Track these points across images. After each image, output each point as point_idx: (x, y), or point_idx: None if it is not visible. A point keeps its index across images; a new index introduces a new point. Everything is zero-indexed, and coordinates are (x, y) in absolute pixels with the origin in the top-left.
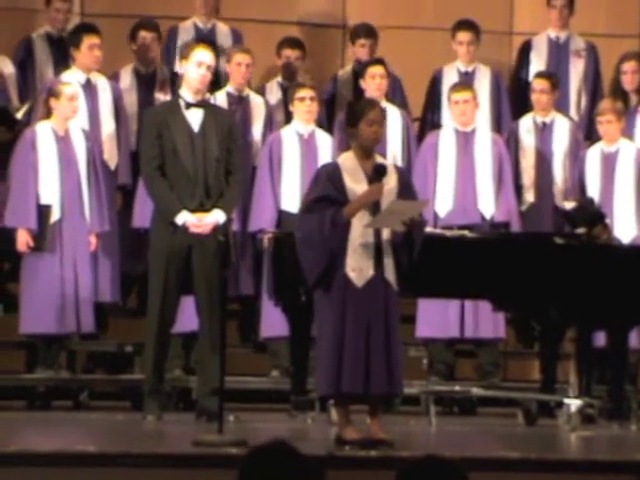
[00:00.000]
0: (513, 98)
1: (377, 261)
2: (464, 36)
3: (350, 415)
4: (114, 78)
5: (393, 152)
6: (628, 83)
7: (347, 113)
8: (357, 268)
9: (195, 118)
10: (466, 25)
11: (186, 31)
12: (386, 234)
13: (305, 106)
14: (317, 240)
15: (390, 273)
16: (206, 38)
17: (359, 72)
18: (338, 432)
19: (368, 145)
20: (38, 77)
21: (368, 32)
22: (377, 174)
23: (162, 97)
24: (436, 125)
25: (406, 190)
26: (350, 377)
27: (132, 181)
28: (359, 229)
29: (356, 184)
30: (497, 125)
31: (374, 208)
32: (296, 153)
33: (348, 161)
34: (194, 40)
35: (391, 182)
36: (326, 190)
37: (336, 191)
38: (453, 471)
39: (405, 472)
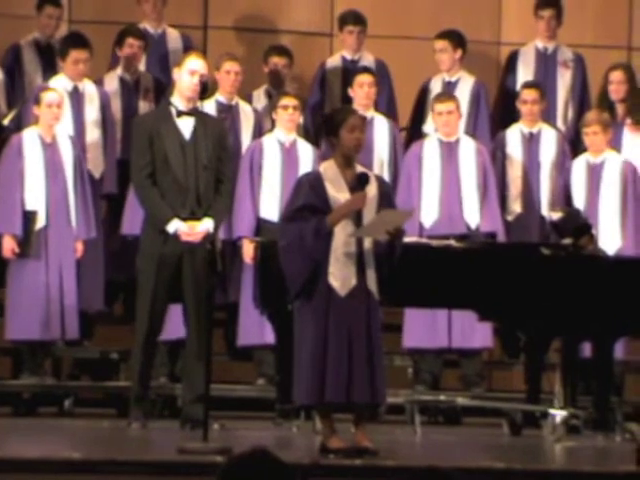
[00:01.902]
0: (500, 108)
1: (359, 270)
2: (438, 44)
3: (334, 424)
4: (98, 84)
5: (380, 161)
6: (614, 93)
7: (326, 123)
8: (340, 277)
9: (186, 126)
10: (442, 34)
11: None
12: (367, 243)
13: (288, 115)
14: (300, 249)
15: (372, 283)
16: (157, 44)
17: (347, 69)
18: (322, 441)
19: (351, 153)
20: (27, 84)
21: (356, 19)
22: (360, 183)
23: (145, 104)
24: (424, 135)
25: (386, 200)
26: (333, 386)
27: (118, 189)
28: (342, 238)
29: (338, 193)
30: (473, 135)
31: (356, 217)
32: (277, 162)
33: (329, 170)
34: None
35: (372, 191)
36: (308, 199)
37: (318, 200)
38: None
39: None
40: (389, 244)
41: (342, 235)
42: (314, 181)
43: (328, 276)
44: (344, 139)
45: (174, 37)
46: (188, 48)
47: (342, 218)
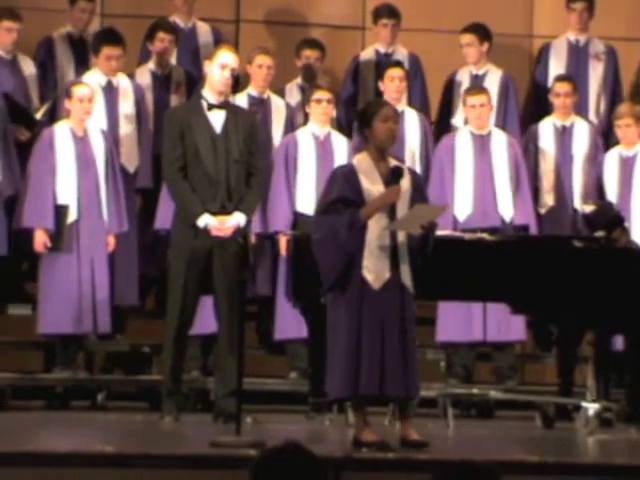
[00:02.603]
0: (532, 101)
1: (393, 264)
2: (464, 38)
3: (367, 417)
4: (131, 78)
5: (412, 154)
6: None
7: (359, 117)
8: (374, 270)
9: (217, 119)
10: (468, 28)
11: None
12: (401, 237)
13: (321, 108)
14: (334, 242)
15: (406, 276)
16: (188, 38)
17: (380, 63)
18: (355, 434)
19: (384, 144)
20: (59, 77)
21: (391, 12)
22: (394, 176)
23: (177, 98)
24: (450, 128)
25: (418, 192)
26: (366, 379)
27: (153, 184)
28: (376, 231)
29: (372, 185)
30: (503, 128)
31: (390, 210)
32: (312, 155)
33: (363, 162)
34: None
35: (405, 184)
36: (343, 191)
37: (353, 192)
38: (489, 478)
39: (441, 477)
40: (422, 238)
41: (376, 228)
42: (348, 174)
43: (362, 269)
44: (377, 130)
45: (204, 31)
46: (218, 42)
47: (376, 211)
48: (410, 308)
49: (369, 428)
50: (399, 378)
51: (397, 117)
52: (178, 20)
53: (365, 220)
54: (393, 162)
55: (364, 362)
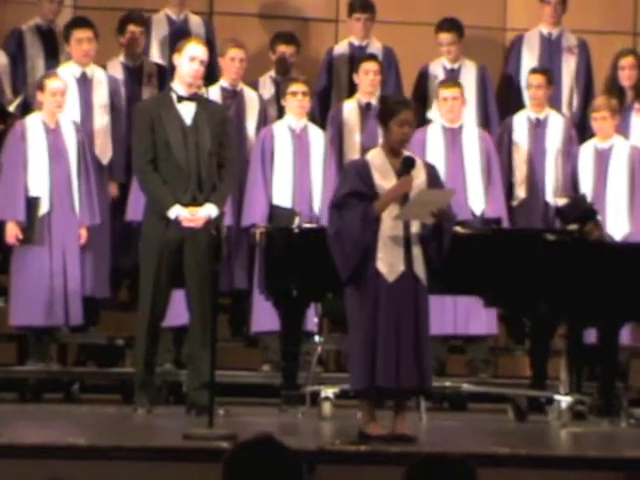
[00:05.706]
0: (504, 94)
1: (407, 256)
2: (444, 37)
3: (375, 411)
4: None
5: None
6: (626, 79)
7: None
8: (388, 263)
9: (187, 111)
10: (446, 26)
11: (160, 23)
12: (415, 228)
13: (297, 101)
14: (349, 236)
15: (419, 268)
16: (180, 30)
17: (354, 56)
18: (361, 427)
19: (395, 146)
20: (29, 69)
21: (364, 6)
22: (405, 167)
23: (149, 90)
24: (425, 121)
25: (435, 184)
26: (382, 372)
27: (125, 179)
28: (389, 223)
29: (385, 180)
30: (484, 121)
31: (404, 201)
32: (288, 148)
33: (377, 158)
34: (170, 32)
35: (420, 177)
36: (355, 185)
37: (365, 186)
38: (463, 470)
39: (415, 470)
40: (436, 227)
41: (389, 220)
42: (361, 168)
43: (376, 261)
44: (392, 131)
45: (197, 23)
46: (210, 34)
47: (389, 203)
48: (424, 300)
49: (375, 421)
50: (414, 370)
51: (414, 121)
52: (170, 12)
53: (379, 212)
54: (407, 154)
55: (380, 354)
